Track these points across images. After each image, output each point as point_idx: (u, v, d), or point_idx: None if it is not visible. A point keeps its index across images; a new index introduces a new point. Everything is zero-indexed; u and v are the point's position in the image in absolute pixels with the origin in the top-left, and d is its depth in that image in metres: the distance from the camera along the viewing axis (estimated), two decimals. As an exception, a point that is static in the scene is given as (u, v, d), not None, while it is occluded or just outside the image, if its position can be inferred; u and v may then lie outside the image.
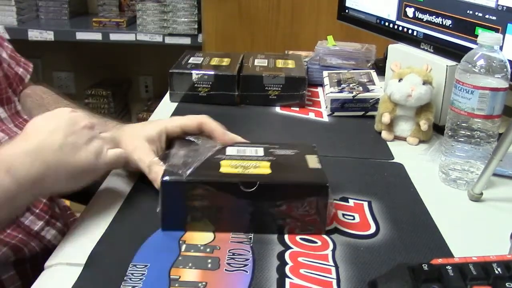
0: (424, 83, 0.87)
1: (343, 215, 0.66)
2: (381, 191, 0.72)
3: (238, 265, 0.55)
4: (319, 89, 1.14)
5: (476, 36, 0.73)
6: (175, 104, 1.03)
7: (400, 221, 0.65)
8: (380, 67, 1.16)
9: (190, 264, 0.55)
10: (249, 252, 0.57)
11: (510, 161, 0.76)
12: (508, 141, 0.68)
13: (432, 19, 0.95)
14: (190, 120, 0.71)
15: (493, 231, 0.66)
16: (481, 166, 0.72)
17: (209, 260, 0.55)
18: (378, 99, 0.95)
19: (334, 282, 0.53)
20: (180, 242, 0.58)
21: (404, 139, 0.90)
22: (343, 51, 1.19)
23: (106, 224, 0.62)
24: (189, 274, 0.53)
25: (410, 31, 1.02)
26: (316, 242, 0.60)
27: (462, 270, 0.46)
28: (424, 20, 0.97)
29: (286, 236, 0.60)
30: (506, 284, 0.44)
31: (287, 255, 0.57)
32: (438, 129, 0.92)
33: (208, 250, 0.57)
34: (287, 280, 0.53)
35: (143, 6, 2.29)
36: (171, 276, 0.53)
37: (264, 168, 0.61)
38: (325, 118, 1.00)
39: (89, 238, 0.59)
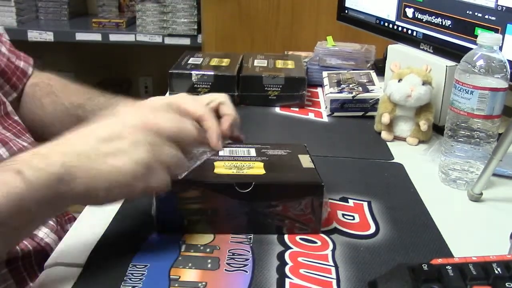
0: (424, 83, 0.87)
1: (343, 215, 0.66)
2: (381, 191, 0.72)
3: (238, 265, 0.55)
4: (319, 90, 1.15)
5: (476, 36, 0.73)
6: (175, 105, 1.03)
7: (400, 221, 0.65)
8: (379, 68, 1.17)
9: (190, 264, 0.55)
10: (249, 252, 0.57)
11: (510, 161, 0.76)
12: (508, 141, 0.68)
13: (432, 20, 0.95)
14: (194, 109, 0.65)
15: (493, 231, 0.66)
16: (481, 166, 0.72)
17: (209, 260, 0.55)
18: (378, 99, 0.95)
19: (334, 282, 0.53)
20: (180, 242, 0.58)
21: (404, 139, 0.90)
22: (343, 51, 1.19)
23: (106, 224, 0.62)
24: (189, 274, 0.53)
25: (409, 32, 1.02)
26: (316, 242, 0.60)
27: (462, 270, 0.46)
28: (424, 20, 0.97)
29: (285, 236, 0.60)
30: (506, 284, 0.44)
31: (287, 255, 0.57)
32: (437, 129, 0.92)
33: (208, 250, 0.57)
34: (287, 280, 0.53)
35: (143, 7, 2.30)
36: (171, 276, 0.53)
37: (258, 169, 0.61)
38: (325, 119, 1.00)
39: (89, 238, 0.59)
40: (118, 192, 0.52)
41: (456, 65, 0.78)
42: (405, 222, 0.65)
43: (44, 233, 0.74)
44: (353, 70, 1.13)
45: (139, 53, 2.64)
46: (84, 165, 0.50)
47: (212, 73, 1.02)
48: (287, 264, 0.55)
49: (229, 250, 0.57)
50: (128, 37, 2.34)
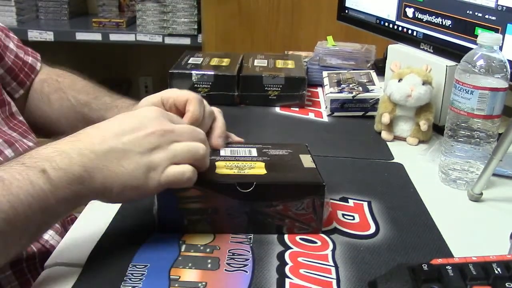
0: (424, 83, 0.87)
1: (343, 215, 0.66)
2: (381, 191, 0.72)
3: (238, 265, 0.55)
4: (319, 90, 1.14)
5: (476, 36, 0.73)
6: (175, 104, 1.03)
7: (400, 221, 0.65)
8: (379, 68, 1.17)
9: (190, 264, 0.55)
10: (249, 252, 0.57)
11: (510, 161, 0.76)
12: (508, 141, 0.68)
13: (432, 19, 0.95)
14: (183, 95, 0.68)
15: (493, 231, 0.66)
16: (481, 166, 0.72)
17: (209, 260, 0.55)
18: (378, 99, 0.95)
19: (334, 282, 0.53)
20: (180, 242, 0.58)
21: (404, 139, 0.90)
22: (343, 51, 1.19)
23: (106, 224, 0.62)
24: (189, 274, 0.53)
25: (409, 31, 1.02)
26: (316, 242, 0.60)
27: (462, 270, 0.46)
28: (424, 20, 0.97)
29: (285, 236, 0.60)
30: (506, 284, 0.44)
31: (287, 255, 0.57)
32: (438, 129, 0.92)
33: (208, 250, 0.57)
34: (287, 280, 0.53)
35: (143, 7, 2.30)
36: (171, 276, 0.53)
37: (259, 169, 0.61)
38: (325, 118, 1.00)
39: (88, 238, 0.59)
40: (131, 193, 0.54)
41: (456, 65, 0.78)
42: (405, 222, 0.65)
43: (49, 235, 0.75)
44: (353, 70, 1.13)
45: (139, 53, 2.64)
46: (101, 166, 0.52)
47: (212, 73, 1.02)
48: (287, 264, 0.55)
49: (229, 250, 0.57)
50: (128, 37, 2.34)
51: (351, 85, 1.01)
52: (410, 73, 0.88)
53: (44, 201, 0.49)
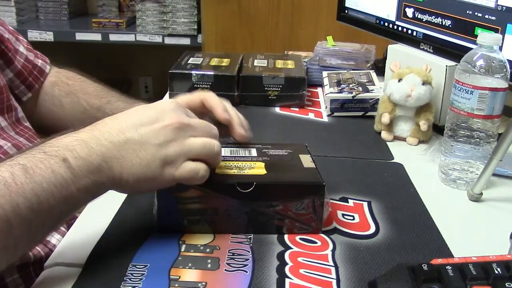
0: (424, 83, 0.87)
1: (343, 215, 0.66)
2: (381, 191, 0.72)
3: (238, 265, 0.55)
4: (319, 90, 1.14)
5: (476, 36, 0.73)
6: (175, 105, 1.03)
7: (400, 221, 0.65)
8: (379, 68, 1.17)
9: (190, 264, 0.55)
10: (249, 252, 0.57)
11: (510, 161, 0.76)
12: (508, 141, 0.68)
13: (432, 19, 0.95)
14: (195, 96, 0.68)
15: (493, 231, 0.66)
16: (480, 166, 0.72)
17: (209, 260, 0.55)
18: (378, 99, 0.95)
19: (334, 282, 0.53)
20: (180, 242, 0.58)
21: (404, 139, 0.90)
22: (343, 51, 1.19)
23: (106, 224, 0.62)
24: (189, 274, 0.53)
25: (409, 31, 1.02)
26: (316, 242, 0.60)
27: (462, 270, 0.46)
28: (424, 20, 0.97)
29: (285, 236, 0.60)
30: (506, 284, 0.44)
31: (287, 255, 0.57)
32: (437, 129, 0.92)
33: (207, 250, 0.57)
34: (287, 280, 0.53)
35: (143, 7, 2.30)
36: (171, 276, 0.53)
37: (259, 169, 0.61)
38: (325, 119, 1.00)
39: (88, 238, 0.59)
40: (146, 184, 0.55)
41: (456, 65, 0.78)
42: (405, 222, 0.65)
43: (56, 240, 0.75)
44: (353, 70, 1.13)
45: (139, 53, 2.64)
46: (118, 156, 0.53)
47: (212, 73, 1.02)
48: (287, 264, 0.55)
49: (229, 250, 0.57)
50: (128, 37, 2.34)
51: (351, 85, 1.01)
52: (410, 73, 0.88)
53: (66, 190, 0.50)
